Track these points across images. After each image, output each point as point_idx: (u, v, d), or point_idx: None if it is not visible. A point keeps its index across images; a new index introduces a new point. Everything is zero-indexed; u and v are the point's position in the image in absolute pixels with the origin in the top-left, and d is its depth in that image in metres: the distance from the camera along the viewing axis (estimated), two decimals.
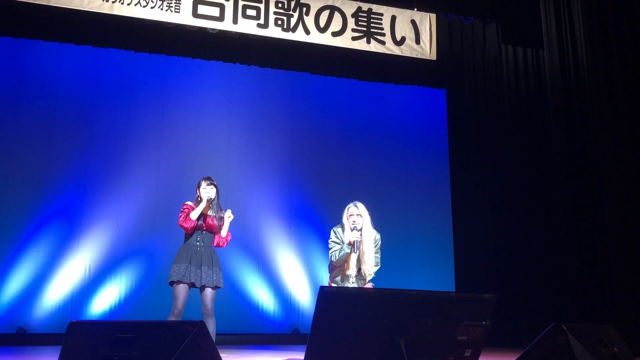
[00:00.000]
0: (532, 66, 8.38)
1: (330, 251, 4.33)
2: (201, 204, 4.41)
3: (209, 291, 4.34)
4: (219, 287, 4.41)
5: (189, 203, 4.49)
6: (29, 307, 6.76)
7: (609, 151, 6.37)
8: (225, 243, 4.58)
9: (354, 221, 4.26)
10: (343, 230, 4.34)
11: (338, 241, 4.33)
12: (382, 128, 8.56)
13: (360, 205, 4.34)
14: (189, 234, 4.43)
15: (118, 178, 7.36)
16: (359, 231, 4.23)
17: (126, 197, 7.33)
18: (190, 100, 7.83)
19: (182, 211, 4.42)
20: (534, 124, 8.18)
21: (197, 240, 4.41)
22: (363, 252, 4.26)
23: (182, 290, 4.27)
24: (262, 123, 8.08)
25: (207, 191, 4.45)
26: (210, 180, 4.52)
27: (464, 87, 8.63)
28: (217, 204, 4.56)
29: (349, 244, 4.24)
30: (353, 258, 4.25)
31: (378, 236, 4.41)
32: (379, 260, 4.39)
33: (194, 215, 4.37)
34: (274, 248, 7.77)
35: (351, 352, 2.33)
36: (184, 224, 4.37)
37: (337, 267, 4.33)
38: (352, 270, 4.26)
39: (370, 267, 4.29)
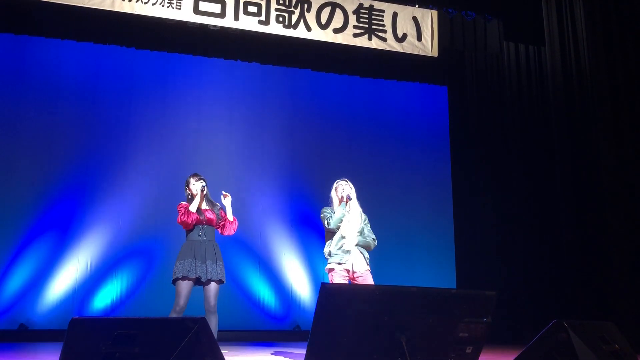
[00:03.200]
0: (534, 63, 8.36)
1: (324, 220, 4.38)
2: (197, 197, 4.42)
3: (213, 286, 4.32)
4: (222, 282, 4.39)
5: (183, 203, 4.50)
6: (30, 303, 6.76)
7: (611, 149, 6.36)
8: (234, 229, 4.57)
9: (343, 189, 4.41)
10: (332, 206, 4.44)
11: (329, 212, 4.40)
12: (383, 125, 8.55)
13: (347, 180, 4.52)
14: (190, 229, 4.42)
15: (119, 175, 7.36)
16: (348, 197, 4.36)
17: (128, 194, 7.33)
18: (191, 98, 7.82)
19: (179, 210, 4.43)
20: (535, 121, 8.17)
21: (199, 235, 4.40)
22: (350, 214, 4.34)
23: (185, 286, 4.23)
24: (263, 120, 8.07)
25: (197, 187, 4.47)
26: (198, 176, 4.55)
27: (465, 84, 8.62)
28: (208, 197, 4.57)
29: (341, 200, 4.35)
30: (347, 218, 4.31)
31: (365, 216, 4.50)
32: (373, 236, 4.45)
33: (193, 207, 4.39)
34: (275, 245, 7.77)
35: (352, 349, 2.33)
36: (185, 219, 4.36)
37: (331, 236, 4.36)
38: (346, 232, 4.29)
39: (359, 225, 4.35)
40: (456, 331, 2.47)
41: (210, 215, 4.46)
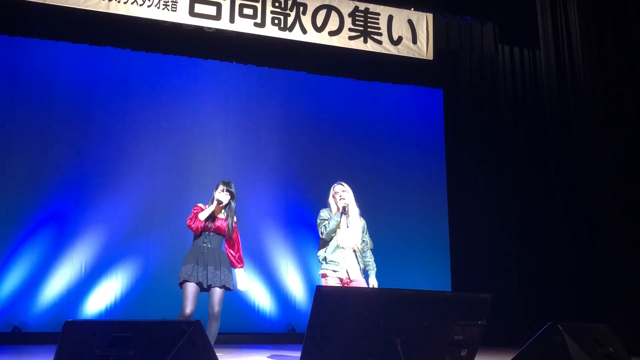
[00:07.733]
0: (529, 66, 8.39)
1: (319, 227, 4.32)
2: (211, 205, 4.38)
3: (216, 291, 4.28)
4: (228, 289, 4.35)
5: (200, 205, 4.44)
6: (24, 306, 6.73)
7: (605, 151, 6.39)
8: (237, 260, 4.57)
9: (341, 197, 4.28)
10: (331, 210, 4.35)
11: (327, 217, 4.32)
12: (378, 127, 8.55)
13: (344, 184, 4.40)
14: (197, 234, 4.39)
15: (114, 177, 7.33)
16: (346, 204, 4.25)
17: (122, 197, 7.30)
18: (187, 100, 7.81)
19: (192, 211, 4.39)
20: (530, 124, 8.20)
21: (204, 242, 4.36)
22: (351, 223, 4.26)
23: (190, 288, 4.20)
24: (259, 122, 8.06)
25: (217, 197, 4.40)
26: (228, 186, 4.46)
27: (460, 87, 8.64)
28: (232, 209, 4.48)
29: (338, 211, 4.24)
30: (343, 228, 4.24)
31: (363, 221, 4.43)
32: (371, 244, 4.40)
33: (203, 216, 4.33)
34: (270, 247, 7.76)
35: (347, 352, 2.33)
36: (191, 224, 4.32)
37: (327, 242, 4.30)
38: (343, 242, 4.23)
39: (359, 240, 4.29)
40: (451, 334, 2.47)
41: (220, 224, 4.41)
